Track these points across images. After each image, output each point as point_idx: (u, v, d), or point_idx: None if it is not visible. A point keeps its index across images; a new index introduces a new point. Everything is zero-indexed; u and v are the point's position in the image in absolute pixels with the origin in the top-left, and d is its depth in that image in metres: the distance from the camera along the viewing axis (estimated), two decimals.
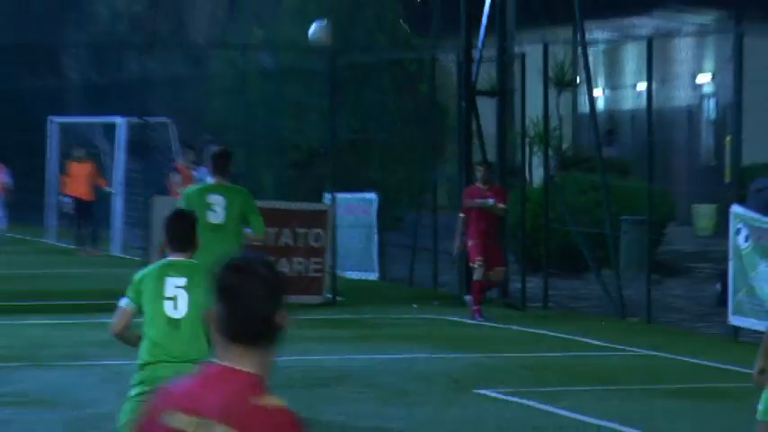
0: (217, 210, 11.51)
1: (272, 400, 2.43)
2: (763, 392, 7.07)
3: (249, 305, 2.43)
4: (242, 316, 2.43)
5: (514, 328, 15.82)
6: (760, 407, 7.15)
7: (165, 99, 28.45)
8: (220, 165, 12.76)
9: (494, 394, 11.37)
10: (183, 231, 7.51)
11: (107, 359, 14.27)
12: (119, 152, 25.12)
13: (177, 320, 7.18)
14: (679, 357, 13.79)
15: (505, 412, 10.94)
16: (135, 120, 25.51)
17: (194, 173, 19.96)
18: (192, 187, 11.54)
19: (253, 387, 2.46)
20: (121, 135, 25.23)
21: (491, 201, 16.80)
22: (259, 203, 19.68)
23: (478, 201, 17.35)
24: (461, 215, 17.60)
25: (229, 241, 11.68)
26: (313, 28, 17.86)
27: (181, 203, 11.46)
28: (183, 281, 7.21)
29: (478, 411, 10.83)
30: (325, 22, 17.24)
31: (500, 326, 15.81)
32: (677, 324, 16.32)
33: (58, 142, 26.70)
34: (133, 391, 6.98)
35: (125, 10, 34.96)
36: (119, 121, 25.41)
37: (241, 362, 2.48)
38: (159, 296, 7.24)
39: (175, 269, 7.33)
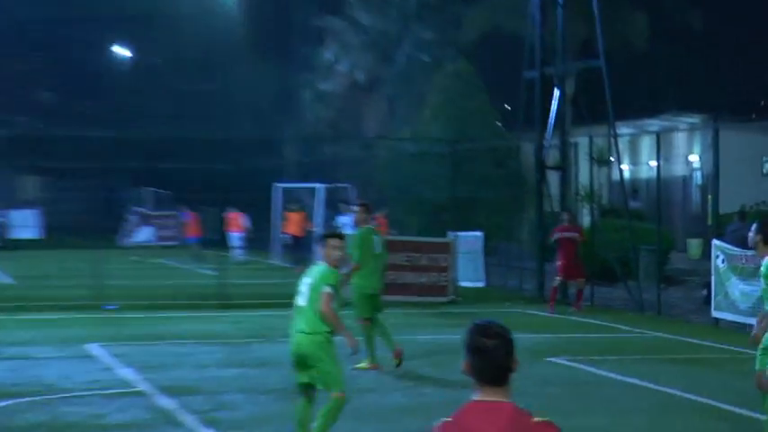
0: (377, 244, 11.15)
1: (539, 418, 2.27)
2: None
3: (497, 361, 2.26)
4: (493, 368, 2.27)
5: (572, 318, 15.24)
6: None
7: (348, 172, 27.78)
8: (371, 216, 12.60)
9: (558, 360, 11.23)
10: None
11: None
12: (318, 206, 24.90)
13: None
14: (678, 337, 13.31)
15: (565, 372, 10.72)
16: (329, 185, 25.52)
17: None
18: (363, 228, 11.48)
19: (523, 412, 2.26)
20: (320, 195, 25.14)
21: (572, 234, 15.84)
22: (409, 238, 19.20)
23: (566, 234, 15.89)
24: (553, 239, 16.31)
25: (382, 264, 11.48)
26: None
27: (356, 238, 11.09)
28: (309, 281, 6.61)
29: (547, 372, 10.45)
30: None
31: (563, 317, 15.30)
32: (678, 316, 15.69)
33: (280, 200, 26.11)
34: None
35: (323, 114, 32.73)
36: (318, 186, 25.36)
37: (498, 397, 2.28)
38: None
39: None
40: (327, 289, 6.45)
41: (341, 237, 7.20)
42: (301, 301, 6.52)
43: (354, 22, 31.56)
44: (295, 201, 25.24)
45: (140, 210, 33.35)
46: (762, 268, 6.69)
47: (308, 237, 22.79)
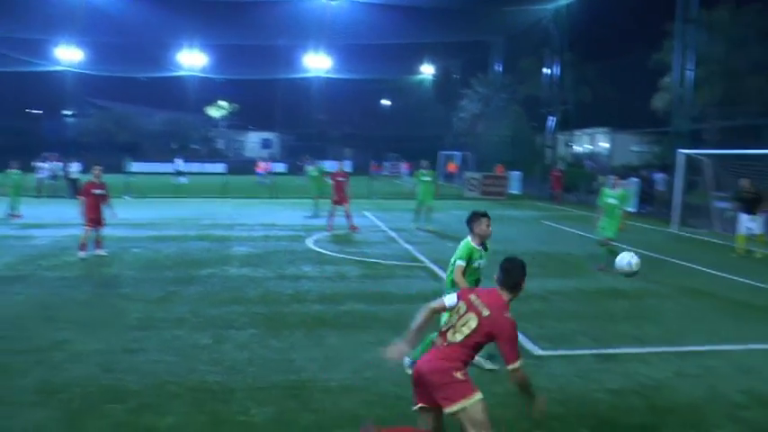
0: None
1: (510, 314, 4.89)
2: None
3: (514, 275, 5.06)
4: (509, 278, 5.10)
5: None
6: None
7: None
8: None
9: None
10: None
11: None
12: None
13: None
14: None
15: None
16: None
17: None
18: None
19: (506, 305, 4.98)
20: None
21: None
22: None
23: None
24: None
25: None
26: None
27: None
28: None
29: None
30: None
31: None
32: None
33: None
34: None
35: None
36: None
37: (504, 293, 5.04)
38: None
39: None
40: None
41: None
42: None
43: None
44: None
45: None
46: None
47: None
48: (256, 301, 11.32)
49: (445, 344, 5.40)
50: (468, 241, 7.54)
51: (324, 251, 16.83)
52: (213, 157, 61.22)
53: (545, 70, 41.59)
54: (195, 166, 50.07)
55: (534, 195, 38.31)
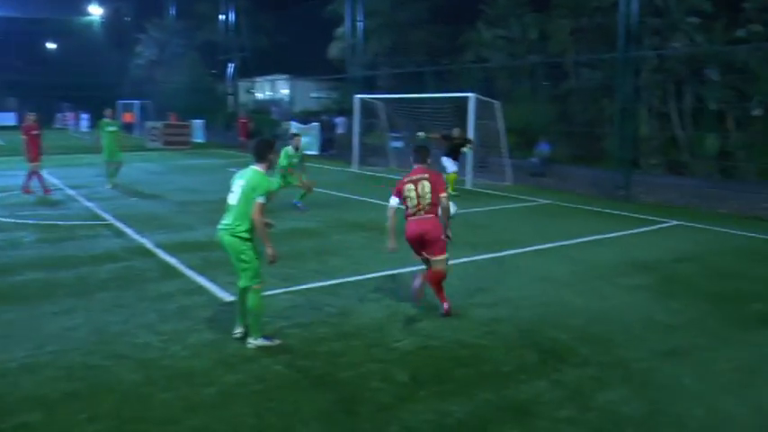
0: None
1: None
2: None
3: (423, 152, 8.57)
4: (420, 154, 8.55)
5: None
6: None
7: None
8: None
9: None
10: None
11: None
12: None
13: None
14: None
15: None
16: None
17: None
18: None
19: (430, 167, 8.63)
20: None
21: None
22: None
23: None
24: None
25: None
26: None
27: None
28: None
29: None
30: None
31: None
32: None
33: None
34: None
35: None
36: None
37: (423, 165, 8.51)
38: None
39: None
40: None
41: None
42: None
43: None
44: None
45: None
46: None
47: None
48: None
49: (425, 212, 8.27)
50: (257, 170, 7.25)
51: None
52: None
53: (221, 16, 41.22)
54: None
55: (220, 143, 38.44)
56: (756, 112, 23.84)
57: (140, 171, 24.88)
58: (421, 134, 19.80)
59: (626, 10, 19.56)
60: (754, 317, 8.80)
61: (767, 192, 19.92)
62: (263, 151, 7.23)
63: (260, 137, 7.47)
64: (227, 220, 7.22)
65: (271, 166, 7.43)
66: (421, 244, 8.32)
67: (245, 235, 7.05)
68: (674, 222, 15.80)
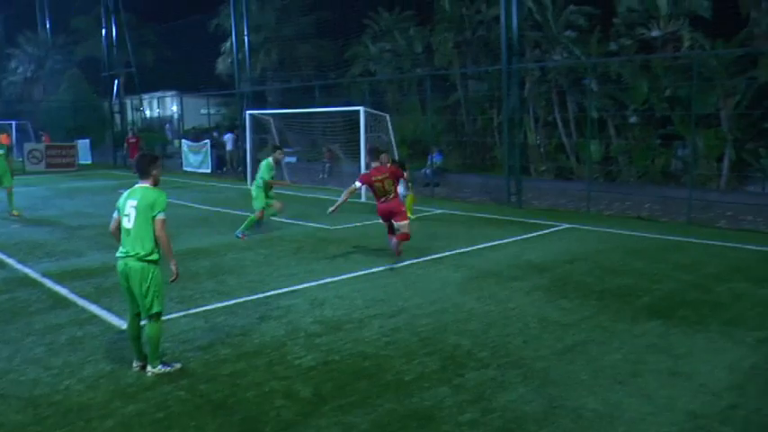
0: None
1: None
2: None
3: (376, 151, 12.35)
4: (374, 153, 12.44)
5: None
6: None
7: None
8: None
9: None
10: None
11: None
12: None
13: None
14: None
15: None
16: None
17: None
18: None
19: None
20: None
21: None
22: None
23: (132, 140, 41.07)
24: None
25: None
26: None
27: None
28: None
29: None
30: None
31: None
32: None
33: None
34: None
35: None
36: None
37: (386, 162, 13.14)
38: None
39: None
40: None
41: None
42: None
43: None
44: None
45: None
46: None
47: None
48: None
49: (390, 196, 12.14)
50: (147, 187, 6.98)
51: None
52: None
53: (103, 30, 39.90)
54: None
55: (108, 164, 37.18)
56: (633, 119, 25.21)
57: (22, 196, 23.53)
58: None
59: (507, 23, 20.26)
60: (642, 310, 9.30)
61: (647, 193, 21.07)
62: (146, 167, 6.97)
63: (141, 152, 7.19)
64: (126, 246, 6.90)
65: (156, 182, 7.07)
66: (389, 216, 12.28)
67: (154, 257, 6.83)
68: (565, 225, 16.45)
